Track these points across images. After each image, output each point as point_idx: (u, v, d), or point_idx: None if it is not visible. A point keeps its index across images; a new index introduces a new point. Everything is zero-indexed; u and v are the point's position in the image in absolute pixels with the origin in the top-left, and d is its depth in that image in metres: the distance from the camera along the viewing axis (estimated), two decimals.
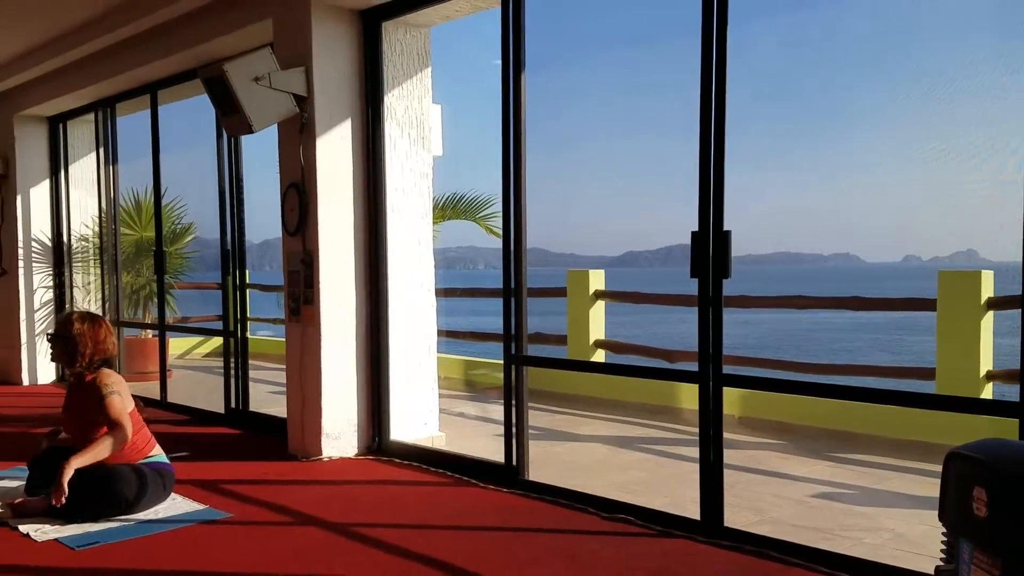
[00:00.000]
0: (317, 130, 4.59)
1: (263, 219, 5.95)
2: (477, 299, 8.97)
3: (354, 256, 4.81)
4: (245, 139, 5.63)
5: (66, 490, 3.46)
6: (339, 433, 4.79)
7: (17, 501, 3.71)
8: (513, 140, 4.02)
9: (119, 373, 3.91)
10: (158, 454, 3.89)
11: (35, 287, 7.85)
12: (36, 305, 7.86)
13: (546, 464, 4.44)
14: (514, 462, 4.10)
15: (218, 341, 10.64)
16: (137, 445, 3.77)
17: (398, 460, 4.69)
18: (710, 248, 3.26)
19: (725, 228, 3.23)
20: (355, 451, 4.85)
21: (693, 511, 3.44)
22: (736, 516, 3.53)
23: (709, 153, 3.26)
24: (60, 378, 7.79)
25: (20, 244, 7.76)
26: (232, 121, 4.48)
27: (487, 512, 3.76)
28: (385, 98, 4.76)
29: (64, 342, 3.79)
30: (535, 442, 4.20)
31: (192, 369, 9.32)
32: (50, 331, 3.97)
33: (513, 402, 4.10)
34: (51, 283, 7.91)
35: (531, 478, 4.09)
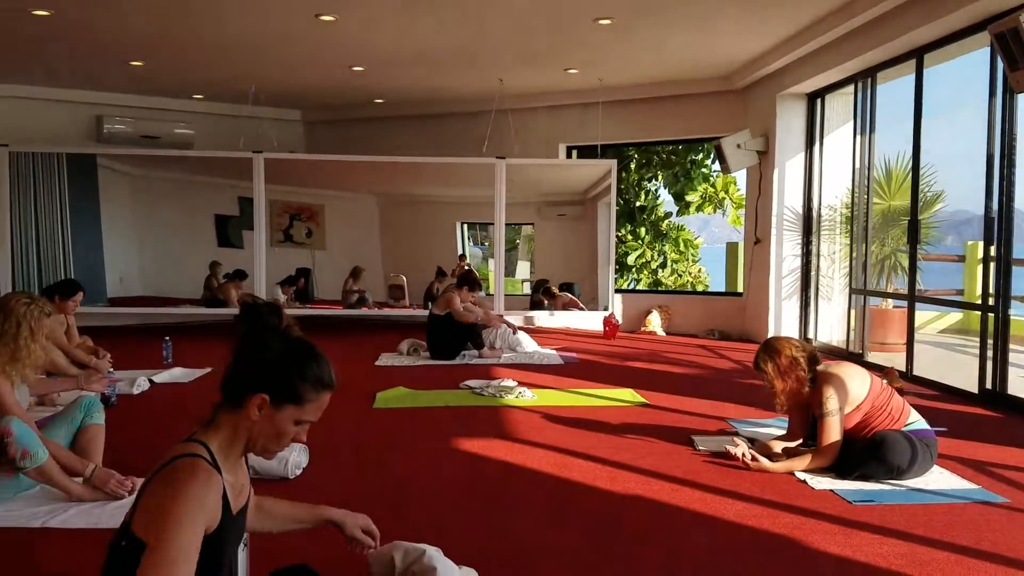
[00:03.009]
0: None
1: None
2: None
3: None
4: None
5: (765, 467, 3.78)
6: None
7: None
8: None
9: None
10: (917, 420, 3.78)
11: (783, 255, 8.49)
12: (784, 272, 8.50)
13: None
14: None
15: (955, 317, 10.03)
16: (892, 414, 3.74)
17: None
18: None
19: None
20: None
21: None
22: None
23: None
24: None
25: (773, 215, 8.48)
26: (1021, 76, 4.01)
27: None
28: None
29: (780, 379, 3.81)
30: None
31: (928, 344, 8.92)
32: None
33: None
34: (798, 251, 8.45)
35: None
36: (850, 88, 7.52)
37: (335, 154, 10.26)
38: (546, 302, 10.25)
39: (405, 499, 3.45)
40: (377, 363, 7.10)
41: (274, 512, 2.14)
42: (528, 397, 5.55)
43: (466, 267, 11.56)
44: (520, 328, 8.29)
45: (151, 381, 5.91)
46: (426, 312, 9.68)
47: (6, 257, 8.74)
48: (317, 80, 9.37)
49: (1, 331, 3.26)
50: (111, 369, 5.59)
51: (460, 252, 12.69)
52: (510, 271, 11.91)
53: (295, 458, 3.68)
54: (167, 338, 6.89)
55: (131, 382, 5.67)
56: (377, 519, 2.30)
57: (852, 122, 7.58)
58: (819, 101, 8.14)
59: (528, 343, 7.90)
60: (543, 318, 10.24)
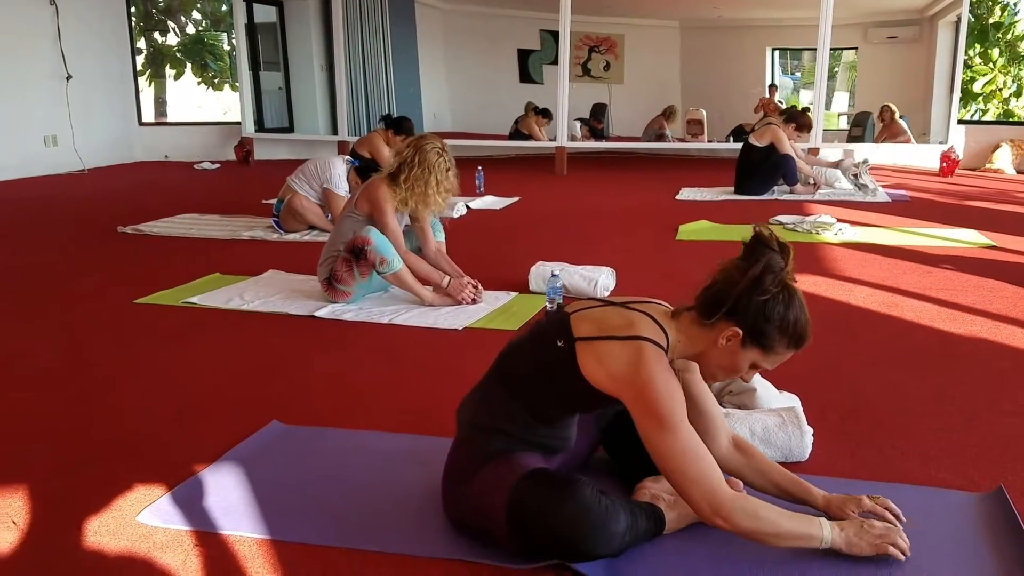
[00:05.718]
0: None
1: None
2: None
3: None
4: None
5: None
6: None
7: None
8: None
9: None
10: None
11: None
12: None
13: None
14: None
15: None
16: None
17: None
18: None
19: None
20: None
21: None
22: None
23: None
24: None
25: None
26: None
27: None
28: None
29: None
30: None
31: None
32: None
33: None
34: None
35: None
36: None
37: None
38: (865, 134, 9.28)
39: None
40: (677, 197, 6.92)
41: (759, 465, 1.84)
42: (849, 234, 5.10)
43: (776, 101, 10.73)
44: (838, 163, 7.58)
45: (468, 207, 6.29)
46: (728, 146, 9.21)
47: (343, 92, 9.58)
48: None
49: (410, 171, 3.46)
50: None
51: (769, 82, 11.79)
52: (826, 103, 10.90)
53: (604, 280, 3.72)
54: (479, 168, 7.23)
55: (451, 207, 6.06)
56: None
57: None
58: None
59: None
60: (865, 152, 9.30)
